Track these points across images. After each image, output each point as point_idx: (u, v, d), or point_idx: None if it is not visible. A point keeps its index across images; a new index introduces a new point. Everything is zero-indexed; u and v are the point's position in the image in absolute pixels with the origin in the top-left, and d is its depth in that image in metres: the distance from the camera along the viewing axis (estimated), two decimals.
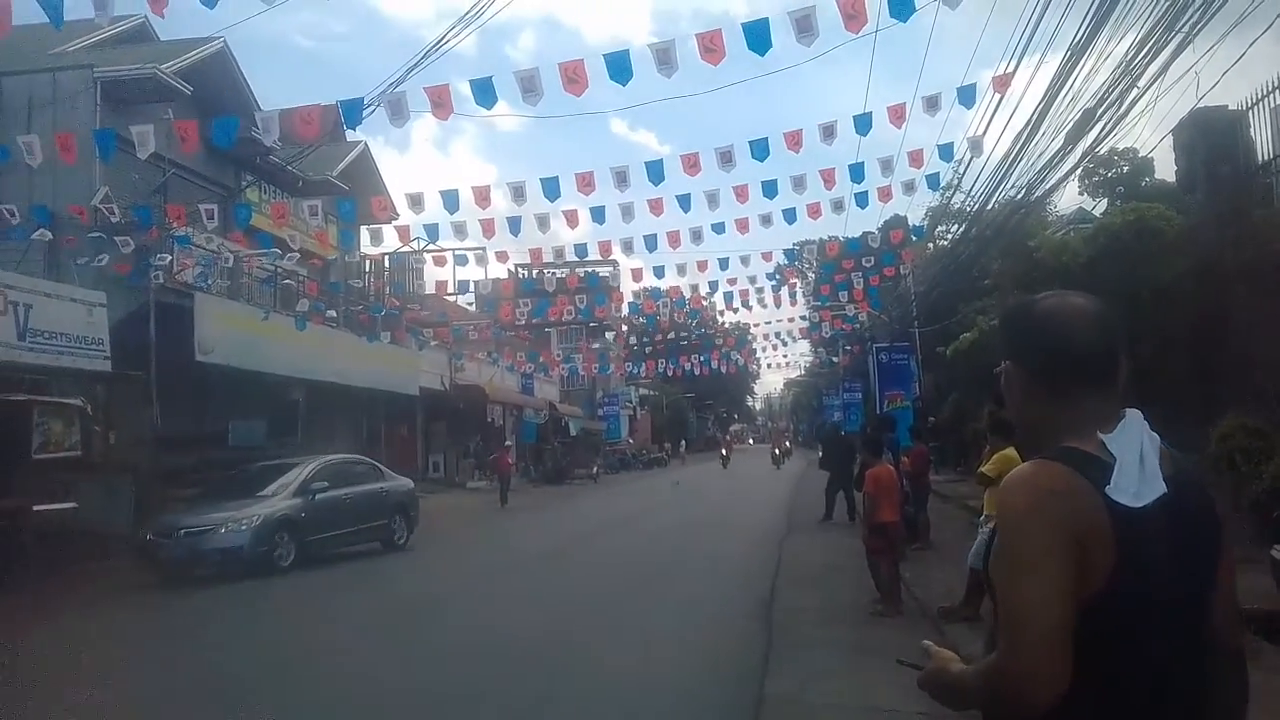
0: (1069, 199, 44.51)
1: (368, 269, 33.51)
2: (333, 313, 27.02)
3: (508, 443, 36.48)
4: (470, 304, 41.79)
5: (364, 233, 29.21)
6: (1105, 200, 21.09)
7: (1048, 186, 16.28)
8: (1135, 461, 1.84)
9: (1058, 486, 1.81)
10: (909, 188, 16.99)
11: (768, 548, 15.56)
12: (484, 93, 10.66)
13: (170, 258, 20.10)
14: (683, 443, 75.87)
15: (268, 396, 22.71)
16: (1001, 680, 1.80)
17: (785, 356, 46.43)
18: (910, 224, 29.12)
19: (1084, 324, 1.96)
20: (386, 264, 33.01)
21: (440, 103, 10.91)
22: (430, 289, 36.45)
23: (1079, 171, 17.82)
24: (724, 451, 56.87)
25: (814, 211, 16.65)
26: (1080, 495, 1.80)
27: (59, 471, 15.97)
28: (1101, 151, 17.00)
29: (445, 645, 9.43)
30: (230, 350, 21.07)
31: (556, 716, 6.94)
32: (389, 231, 19.71)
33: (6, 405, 15.24)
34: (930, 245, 33.13)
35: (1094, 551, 1.77)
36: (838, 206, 17.01)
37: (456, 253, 21.21)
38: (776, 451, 50.61)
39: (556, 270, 53.03)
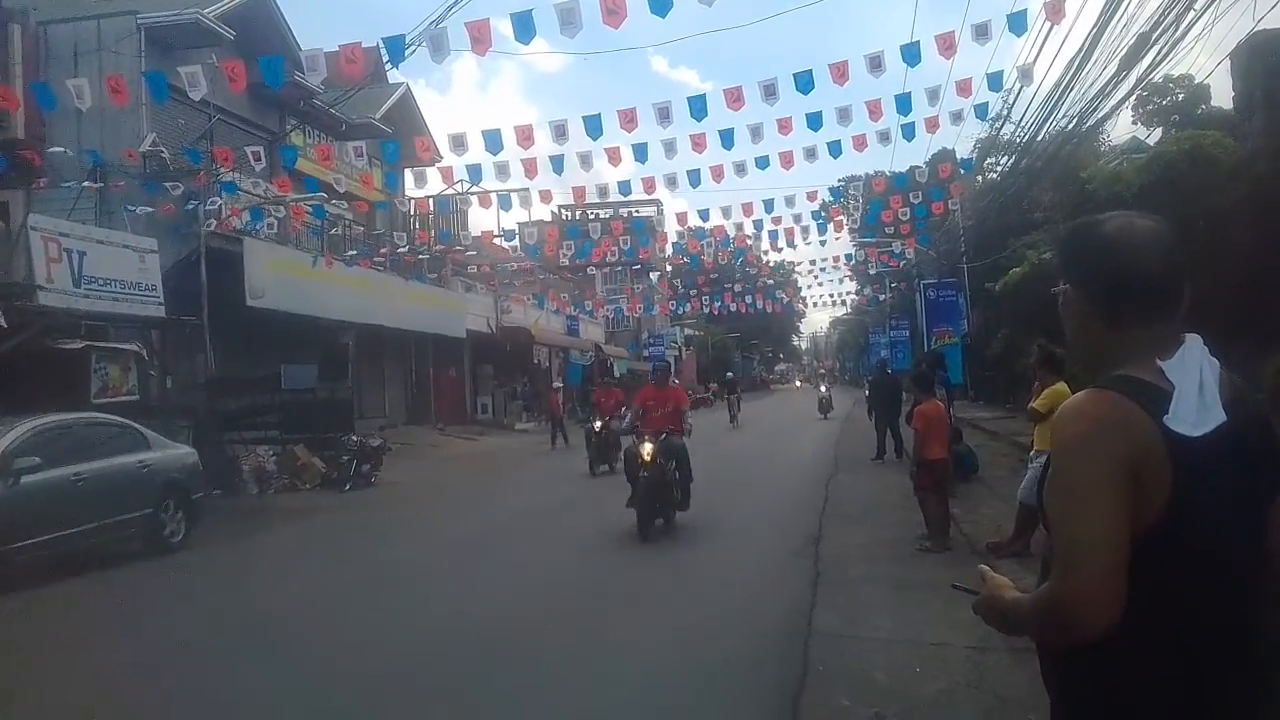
0: (1122, 128, 43.54)
1: (413, 213, 33.65)
2: (380, 257, 27.18)
3: (557, 384, 36.68)
4: (515, 247, 41.86)
5: (407, 175, 29.49)
6: (1159, 129, 20.60)
7: (1100, 115, 15.92)
8: (1194, 389, 1.80)
9: (1113, 415, 1.79)
10: (957, 118, 16.68)
11: (815, 486, 15.58)
12: (523, 27, 10.59)
13: (220, 203, 20.31)
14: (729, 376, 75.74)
15: (318, 340, 22.99)
16: (1056, 607, 1.80)
17: (831, 295, 46.08)
18: (958, 157, 28.65)
19: (1151, 248, 1.91)
20: (432, 207, 33.07)
21: (480, 38, 10.85)
22: (475, 232, 36.57)
23: (1132, 100, 17.43)
24: (731, 410, 36.03)
25: (859, 144, 16.41)
26: (1136, 424, 1.77)
27: (119, 416, 16.32)
28: (1156, 78, 16.56)
29: (502, 581, 9.60)
30: (280, 295, 21.32)
31: (607, 647, 7.04)
32: (432, 174, 19.80)
33: (65, 351, 15.56)
34: (979, 178, 32.60)
35: (1150, 481, 1.75)
36: (884, 138, 16.76)
37: (500, 194, 21.13)
38: (823, 395, 38.71)
39: (600, 211, 53.02)
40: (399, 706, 5.90)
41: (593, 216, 52.40)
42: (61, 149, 16.97)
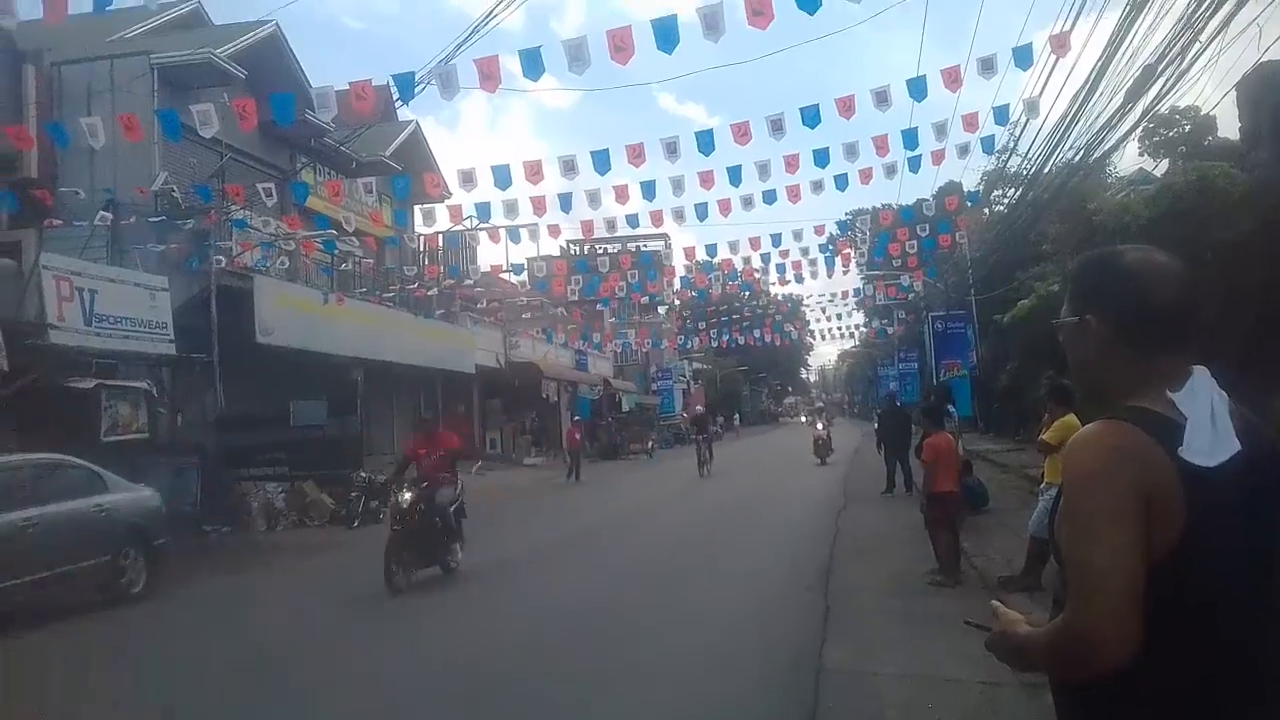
0: (1129, 160, 43.57)
1: (422, 249, 33.83)
2: (390, 293, 27.31)
3: (576, 418, 36.74)
4: (523, 282, 42.02)
5: (417, 212, 29.65)
6: (1166, 161, 20.63)
7: (1107, 147, 15.96)
8: (1207, 420, 1.80)
9: (1126, 446, 1.79)
10: (964, 151, 16.77)
11: (825, 520, 15.51)
12: (532, 64, 10.68)
13: (231, 242, 20.46)
14: (736, 416, 75.71)
15: (328, 377, 23.04)
16: (1071, 641, 1.79)
17: (839, 327, 46.05)
18: (965, 190, 28.72)
19: (1170, 280, 1.92)
20: (441, 243, 33.28)
21: (489, 75, 10.95)
22: (484, 268, 36.74)
23: (1139, 131, 17.44)
24: (700, 455, 29.42)
25: (866, 177, 16.47)
26: (1149, 455, 1.77)
27: (129, 453, 16.38)
28: (1162, 110, 16.59)
29: (510, 612, 9.56)
30: (290, 331, 21.40)
31: (618, 686, 7.00)
32: (441, 211, 19.93)
33: (76, 390, 15.63)
34: (986, 211, 32.67)
35: (1163, 512, 1.75)
36: (890, 171, 16.81)
37: (509, 229, 21.26)
38: (819, 435, 30.17)
39: (608, 246, 53.16)
40: None
41: (601, 251, 52.59)
42: (74, 189, 17.13)
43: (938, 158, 16.22)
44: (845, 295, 37.28)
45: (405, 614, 10.02)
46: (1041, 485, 9.49)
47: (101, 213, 17.39)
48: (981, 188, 30.62)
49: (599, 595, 10.63)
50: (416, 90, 11.80)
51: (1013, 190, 27.14)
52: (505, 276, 34.98)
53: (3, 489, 10.04)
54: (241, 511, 18.22)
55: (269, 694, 7.06)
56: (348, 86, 12.44)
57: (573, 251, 55.17)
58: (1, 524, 9.66)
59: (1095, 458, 1.81)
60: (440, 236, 32.24)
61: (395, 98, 12.55)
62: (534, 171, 14.61)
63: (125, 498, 11.71)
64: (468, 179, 15.35)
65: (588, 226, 24.46)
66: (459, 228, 25.25)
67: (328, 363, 23.27)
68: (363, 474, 19.20)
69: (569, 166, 14.59)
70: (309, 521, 18.56)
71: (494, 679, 7.16)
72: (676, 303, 60.95)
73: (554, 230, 36.11)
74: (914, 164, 16.13)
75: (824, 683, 6.63)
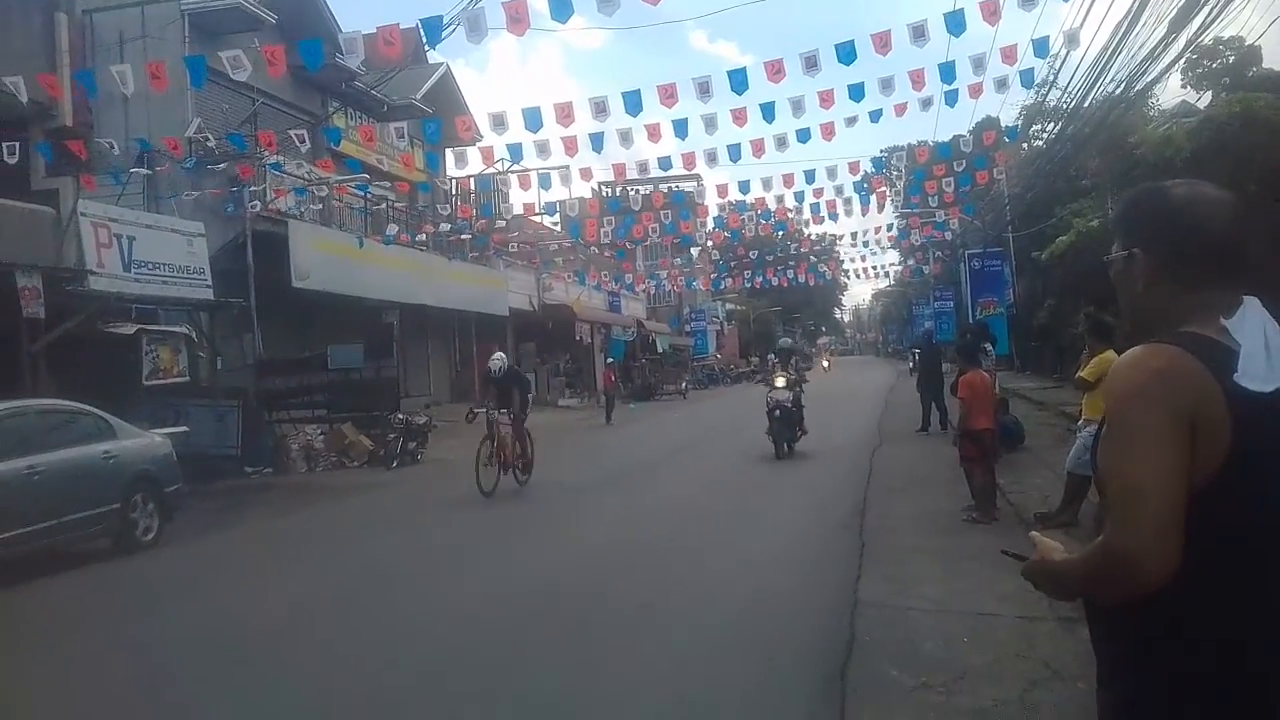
0: (1171, 93, 42.70)
1: (454, 192, 33.80)
2: (423, 236, 27.35)
3: (610, 360, 36.83)
4: (556, 224, 41.90)
5: (449, 155, 29.61)
6: (1210, 93, 20.15)
7: (1149, 79, 15.62)
8: (1261, 347, 1.80)
9: (1171, 367, 1.79)
10: (1002, 85, 16.48)
11: (860, 458, 15.54)
12: (561, 5, 10.57)
13: (265, 186, 20.55)
14: (771, 356, 75.55)
15: (363, 320, 23.21)
16: (1111, 559, 1.79)
17: (874, 267, 45.76)
18: (1003, 125, 28.25)
19: (1220, 213, 1.93)
20: (473, 186, 33.24)
21: (517, 18, 10.86)
22: (516, 210, 36.68)
23: (1182, 63, 17.05)
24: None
25: (901, 111, 16.24)
26: (1193, 377, 1.77)
27: (170, 397, 16.65)
28: (1206, 41, 16.21)
29: (549, 555, 9.70)
30: (325, 275, 21.53)
31: (656, 623, 7.10)
32: (473, 153, 19.87)
33: (117, 335, 15.85)
34: (1025, 146, 32.14)
35: (1207, 435, 1.75)
36: (926, 105, 16.53)
37: (540, 172, 21.25)
38: (780, 400, 17.65)
39: (641, 187, 52.93)
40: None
41: (633, 192, 52.31)
42: (108, 141, 17.20)
43: (975, 91, 15.94)
44: (879, 232, 36.84)
45: (448, 553, 10.19)
46: (1079, 422, 9.44)
47: (133, 169, 17.48)
48: (1020, 122, 30.12)
49: (637, 530, 10.78)
50: (444, 34, 11.72)
51: (1052, 125, 26.64)
52: (538, 218, 34.97)
53: (7, 435, 9.73)
54: (282, 453, 18.48)
55: (247, 650, 6.77)
56: (375, 31, 12.39)
57: (605, 194, 54.96)
58: (6, 471, 9.37)
59: (1139, 378, 1.81)
60: (472, 179, 32.21)
61: (423, 42, 12.49)
62: (565, 114, 14.50)
63: (135, 444, 11.40)
64: (499, 122, 15.29)
65: (619, 169, 24.37)
66: (491, 170, 25.22)
67: (363, 306, 23.42)
68: (400, 415, 19.38)
69: (600, 108, 14.48)
70: (348, 463, 18.81)
71: (551, 600, 7.30)
72: (710, 243, 60.68)
73: (586, 173, 36.19)
74: (951, 98, 15.89)
75: (860, 617, 6.69)
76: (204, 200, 18.79)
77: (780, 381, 16.08)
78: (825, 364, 57.89)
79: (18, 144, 15.65)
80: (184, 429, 14.49)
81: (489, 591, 8.20)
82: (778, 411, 15.81)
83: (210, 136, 18.99)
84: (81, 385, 12.41)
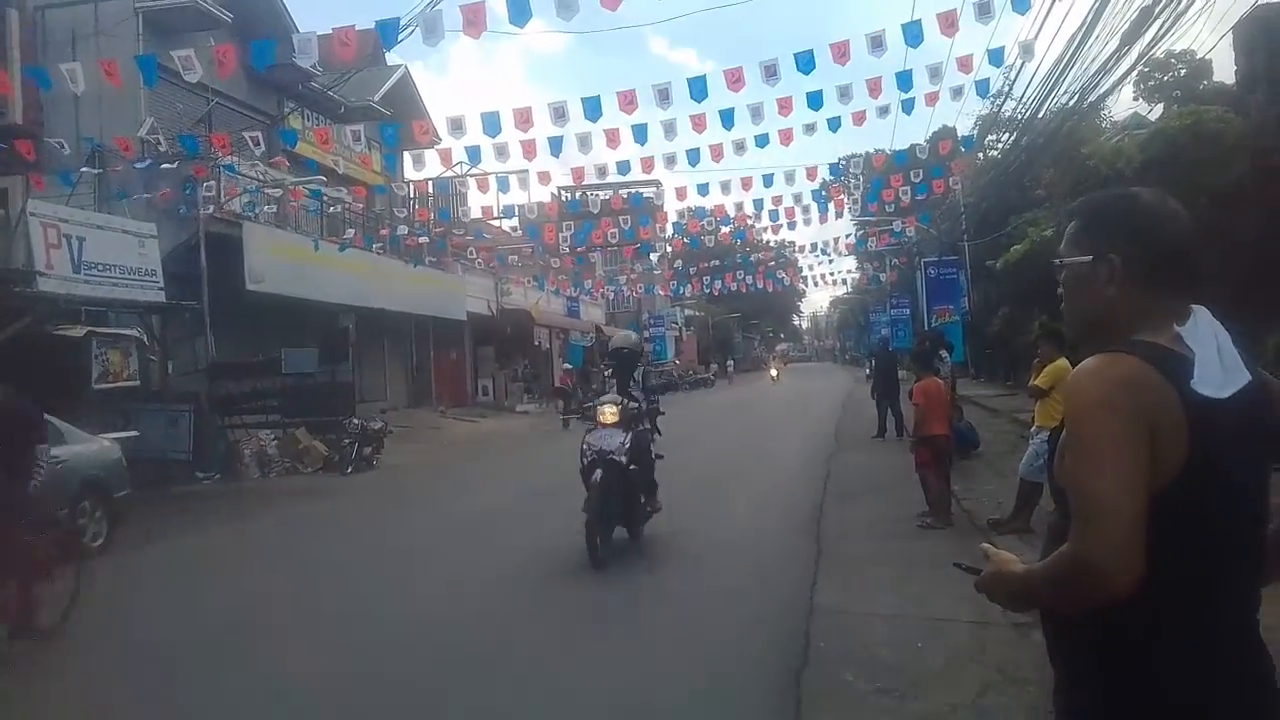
0: (1123, 105, 43.34)
1: (412, 194, 33.60)
2: (379, 241, 27.17)
3: (566, 365, 36.79)
4: (515, 228, 41.79)
5: (406, 158, 29.42)
6: (1161, 105, 20.50)
7: (1102, 91, 15.85)
8: (1214, 354, 1.84)
9: (1129, 376, 1.81)
10: (958, 94, 16.63)
11: (817, 464, 15.61)
12: (519, 9, 10.54)
13: (217, 186, 20.30)
14: (730, 362, 75.87)
15: (318, 324, 23.01)
16: (1076, 570, 1.80)
17: (832, 274, 45.98)
18: (959, 135, 28.51)
19: (1182, 221, 1.97)
20: (431, 189, 33.05)
21: (474, 21, 10.82)
22: (475, 214, 36.52)
23: (1134, 75, 17.32)
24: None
25: (859, 119, 16.33)
26: (1152, 386, 1.79)
27: (120, 401, 16.37)
28: (1158, 54, 16.47)
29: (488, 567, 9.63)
30: (280, 279, 21.31)
31: (606, 624, 7.08)
32: (431, 156, 19.79)
33: (66, 338, 15.57)
34: (980, 155, 32.47)
35: (1166, 442, 1.77)
36: (884, 112, 16.62)
37: (499, 176, 21.21)
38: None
39: (600, 192, 52.92)
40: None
41: (592, 196, 52.26)
42: (59, 141, 16.91)
43: (931, 99, 16.13)
44: (837, 242, 37.09)
45: (401, 556, 10.10)
46: (1032, 429, 9.54)
47: (84, 169, 17.20)
48: (976, 132, 30.43)
49: (571, 544, 10.67)
50: (401, 36, 11.65)
51: (1007, 135, 26.95)
52: (496, 223, 34.79)
53: None
54: (234, 459, 18.25)
55: (190, 657, 6.62)
56: (331, 31, 12.29)
57: (564, 198, 54.88)
58: None
59: (1098, 388, 1.82)
60: (430, 182, 32.04)
61: (381, 44, 12.41)
62: (524, 118, 14.49)
63: (83, 449, 11.18)
64: (457, 126, 15.25)
65: (579, 173, 24.27)
66: (449, 173, 25.11)
67: (319, 310, 23.23)
68: (355, 421, 19.21)
69: (559, 113, 14.46)
70: (302, 468, 18.62)
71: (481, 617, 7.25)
72: (669, 249, 60.76)
73: (544, 177, 36.19)
74: (908, 106, 16.00)
75: (815, 623, 6.71)
76: (156, 201, 18.49)
77: (609, 414, 9.28)
78: (773, 373, 58.15)
79: None
80: (134, 433, 14.32)
81: (436, 593, 8.15)
82: (599, 473, 8.88)
83: (162, 139, 18.70)
84: (29, 388, 12.12)
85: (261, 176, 22.53)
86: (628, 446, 9.09)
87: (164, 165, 18.32)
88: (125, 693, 5.97)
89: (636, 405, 9.71)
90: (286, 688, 5.91)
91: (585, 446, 9.20)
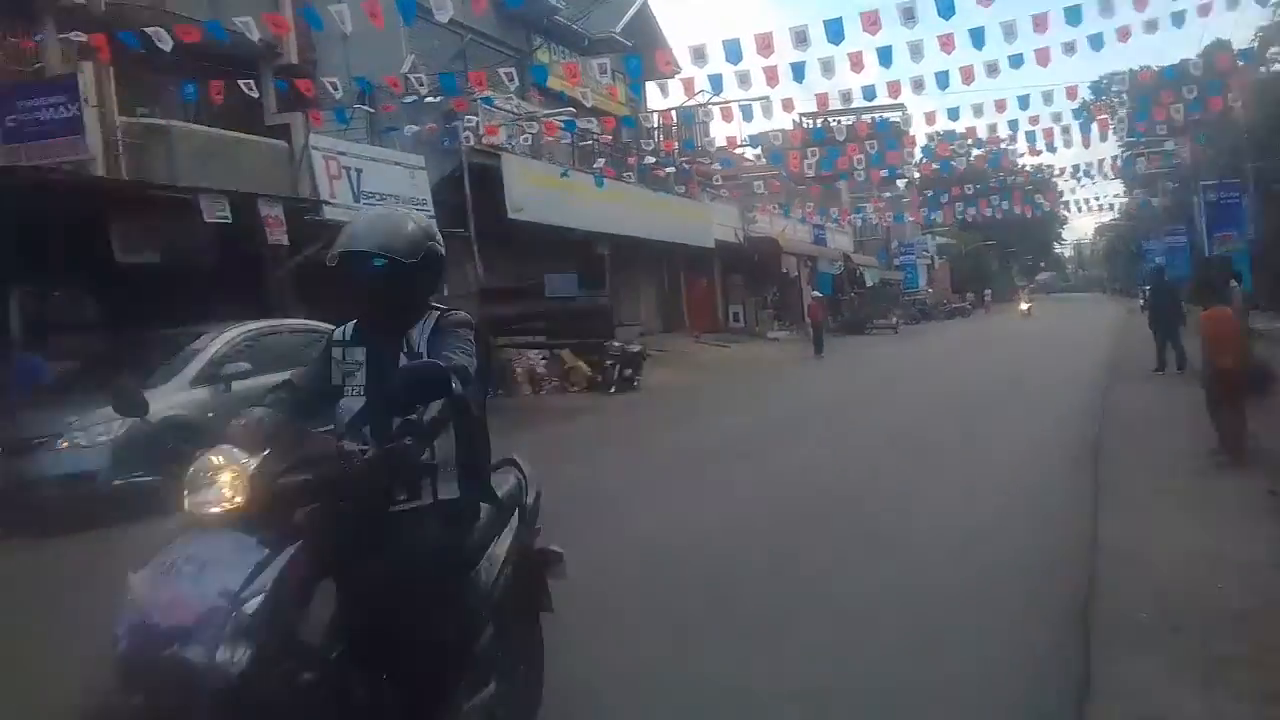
0: None
1: (657, 125, 33.82)
2: (628, 174, 27.60)
3: (817, 293, 36.57)
4: (759, 157, 41.44)
5: (651, 89, 29.64)
6: None
7: None
8: None
9: None
10: (1233, 3, 15.15)
11: (1089, 398, 14.78)
12: None
13: (477, 119, 21.09)
14: (987, 292, 72.93)
15: (575, 251, 23.69)
16: None
17: (1097, 198, 43.35)
18: (1235, 49, 26.03)
19: None
20: (675, 119, 33.18)
21: None
22: (719, 143, 36.42)
23: None
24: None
25: (1123, 35, 15.14)
26: None
27: None
28: None
29: (771, 480, 9.72)
30: (538, 208, 22.05)
31: (877, 550, 7.01)
32: (674, 86, 19.82)
33: None
34: (1262, 69, 29.58)
35: None
36: (1150, 27, 15.28)
37: (742, 104, 21.00)
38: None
39: (844, 118, 51.74)
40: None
41: (835, 123, 51.13)
42: (331, 80, 17.92)
43: (1204, 10, 14.70)
44: (1101, 163, 34.67)
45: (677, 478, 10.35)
46: None
47: (357, 105, 18.18)
48: (1256, 44, 27.73)
49: (862, 463, 10.67)
50: None
51: None
52: (740, 151, 34.62)
53: (263, 352, 10.46)
54: (507, 377, 19.16)
55: None
56: None
57: (807, 125, 53.93)
58: (264, 385, 8.00)
59: None
60: (674, 112, 32.15)
61: None
62: (765, 44, 14.31)
63: None
64: (699, 54, 15.15)
65: (822, 99, 23.81)
66: (692, 103, 25.11)
67: (575, 238, 23.89)
68: (615, 343, 19.79)
69: (801, 38, 14.18)
70: (569, 387, 19.42)
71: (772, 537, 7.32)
72: (917, 175, 58.77)
73: (787, 104, 35.57)
74: (1177, 21, 14.73)
75: (1100, 560, 6.36)
76: (422, 135, 19.41)
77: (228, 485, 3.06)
78: (1024, 306, 56.13)
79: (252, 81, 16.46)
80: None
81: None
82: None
83: (423, 73, 19.46)
84: (325, 309, 13.12)
85: (516, 109, 23.25)
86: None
87: (427, 99, 19.17)
88: None
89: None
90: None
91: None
